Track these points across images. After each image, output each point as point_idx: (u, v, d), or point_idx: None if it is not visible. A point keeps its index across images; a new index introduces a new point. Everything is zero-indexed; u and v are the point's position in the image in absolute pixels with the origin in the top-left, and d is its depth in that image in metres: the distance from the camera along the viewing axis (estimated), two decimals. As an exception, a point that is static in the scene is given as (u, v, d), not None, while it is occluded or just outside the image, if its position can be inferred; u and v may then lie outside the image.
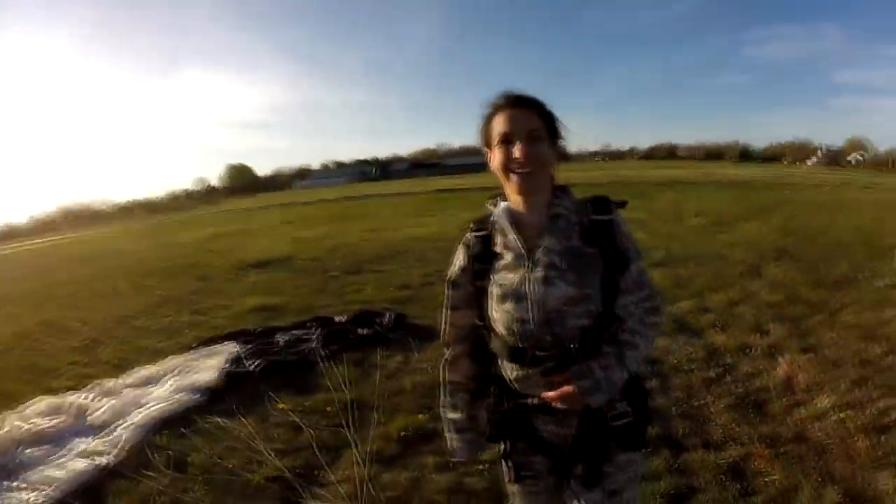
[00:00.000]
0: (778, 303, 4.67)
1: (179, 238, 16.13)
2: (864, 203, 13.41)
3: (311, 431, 2.75)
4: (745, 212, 11.15)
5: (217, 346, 4.22)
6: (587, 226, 1.17)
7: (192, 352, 4.22)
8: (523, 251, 1.16)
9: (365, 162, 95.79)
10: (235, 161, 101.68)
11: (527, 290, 1.14)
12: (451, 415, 1.38)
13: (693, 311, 4.55)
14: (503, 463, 1.31)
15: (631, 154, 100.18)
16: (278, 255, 8.81)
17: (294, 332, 4.25)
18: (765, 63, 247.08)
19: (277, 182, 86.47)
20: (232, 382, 3.52)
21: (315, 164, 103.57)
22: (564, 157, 1.25)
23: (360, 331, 3.93)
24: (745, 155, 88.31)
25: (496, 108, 1.18)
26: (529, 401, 1.21)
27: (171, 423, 3.09)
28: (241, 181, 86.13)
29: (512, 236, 1.18)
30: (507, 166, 1.15)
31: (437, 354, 3.48)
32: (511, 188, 1.18)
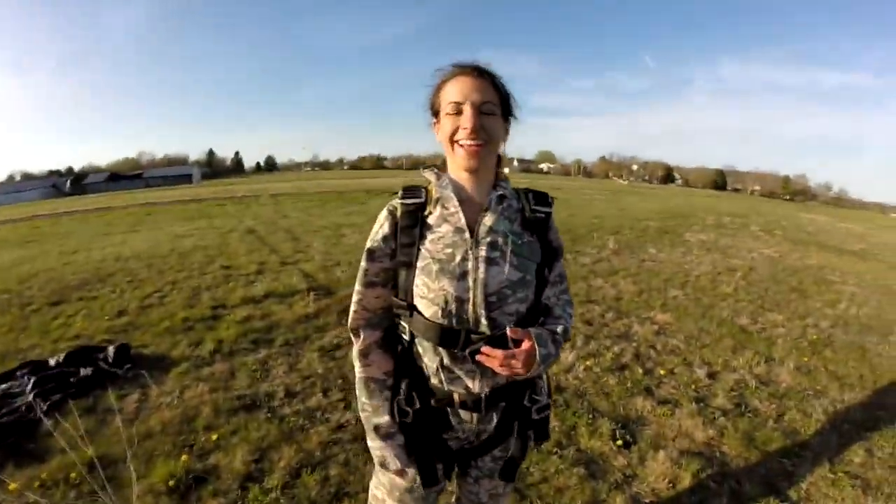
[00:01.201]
0: None
1: None
2: (558, 201, 17.34)
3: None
4: None
5: None
6: (527, 215, 1.16)
7: None
8: (465, 227, 1.11)
9: (57, 173, 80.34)
10: None
11: (469, 267, 1.08)
12: (377, 419, 1.21)
13: None
14: (403, 470, 1.21)
15: (340, 164, 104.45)
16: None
17: (-1, 385, 3.14)
18: None
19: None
20: None
21: (-5, 176, 77.26)
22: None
23: (81, 372, 3.21)
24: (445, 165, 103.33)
25: (450, 76, 1.10)
26: (455, 394, 1.15)
27: None
28: None
29: (454, 209, 1.12)
30: (454, 137, 1.08)
31: (179, 385, 3.27)
32: (456, 161, 1.12)
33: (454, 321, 1.09)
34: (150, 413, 2.91)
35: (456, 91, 1.07)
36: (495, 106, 1.08)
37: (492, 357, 1.04)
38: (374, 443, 1.22)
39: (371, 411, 1.21)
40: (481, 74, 1.08)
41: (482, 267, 1.08)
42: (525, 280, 1.11)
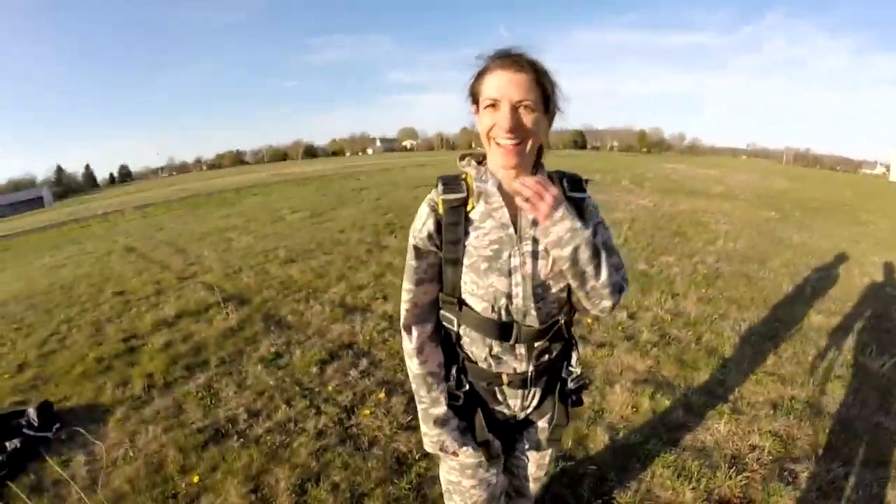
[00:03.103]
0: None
1: None
2: (428, 178, 17.51)
3: None
4: (334, 201, 12.24)
5: None
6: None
7: None
8: (509, 223, 1.11)
9: None
10: None
11: (516, 263, 1.10)
12: (436, 410, 1.24)
13: (350, 292, 5.00)
14: (468, 446, 1.28)
15: (198, 165, 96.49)
16: None
17: None
18: (323, 66, 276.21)
19: None
20: None
21: None
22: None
23: (7, 446, 2.79)
24: (310, 152, 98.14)
25: (491, 67, 1.04)
26: (504, 375, 1.20)
27: None
28: None
29: (497, 204, 1.11)
30: (490, 133, 1.05)
31: (125, 433, 2.98)
32: (494, 158, 1.08)
33: (503, 315, 1.12)
34: (110, 473, 2.60)
35: (493, 86, 1.02)
36: (536, 102, 1.02)
37: (527, 187, 1.01)
38: (431, 431, 1.25)
39: (429, 403, 1.24)
40: (522, 68, 1.01)
41: (529, 262, 1.10)
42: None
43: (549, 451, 1.41)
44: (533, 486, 1.49)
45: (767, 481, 2.36)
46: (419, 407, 1.27)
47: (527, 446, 1.40)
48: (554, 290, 1.14)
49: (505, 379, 1.20)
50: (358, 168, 28.31)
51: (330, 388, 3.17)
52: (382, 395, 3.06)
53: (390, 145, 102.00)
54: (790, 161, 67.95)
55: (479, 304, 1.13)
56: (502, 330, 1.13)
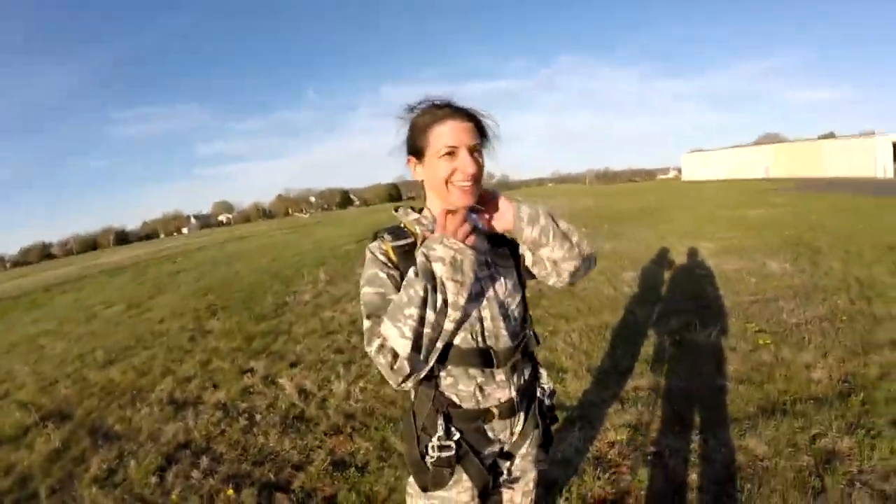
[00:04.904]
0: (239, 346, 5.31)
1: None
2: (247, 251, 16.45)
3: None
4: (151, 289, 11.24)
5: None
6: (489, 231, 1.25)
7: None
8: None
9: None
10: None
11: (479, 288, 1.18)
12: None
13: (177, 386, 4.44)
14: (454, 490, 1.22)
15: (2, 263, 80.00)
16: None
17: None
18: (130, 143, 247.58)
19: None
20: None
21: None
22: None
23: None
24: (121, 238, 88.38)
25: (439, 117, 1.13)
26: (493, 408, 1.20)
27: None
28: None
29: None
30: (453, 178, 1.12)
31: None
32: (450, 200, 1.14)
33: (479, 341, 1.17)
34: None
35: (450, 136, 1.11)
36: (482, 145, 1.16)
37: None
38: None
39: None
40: (470, 117, 1.14)
41: (489, 285, 1.19)
42: (516, 284, 1.26)
43: (533, 475, 1.39)
44: None
45: (634, 470, 2.39)
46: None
47: (506, 477, 1.36)
48: (513, 306, 1.23)
49: (495, 412, 1.21)
50: (174, 249, 25.91)
51: (174, 496, 2.81)
52: (231, 491, 2.75)
53: (206, 221, 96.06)
54: (593, 181, 77.84)
55: (458, 336, 1.15)
56: (483, 356, 1.17)
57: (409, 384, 1.10)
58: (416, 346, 1.02)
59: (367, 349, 1.08)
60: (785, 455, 2.36)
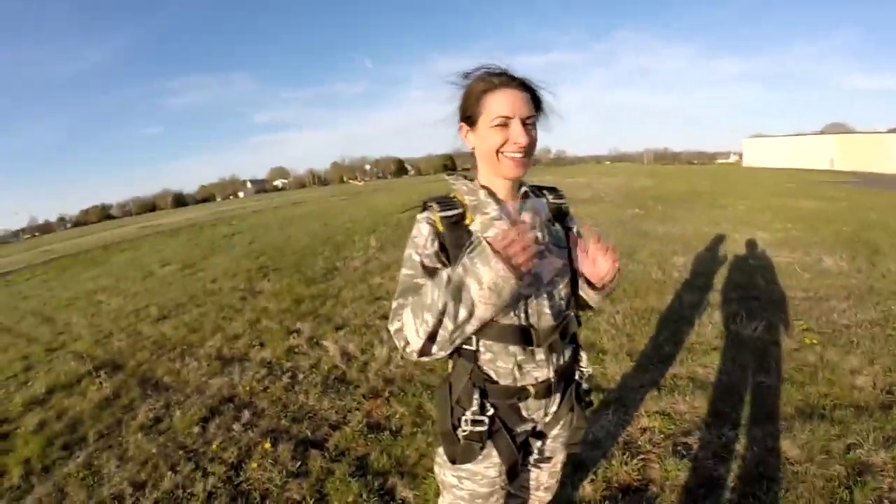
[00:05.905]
0: (287, 308, 5.53)
1: None
2: (300, 216, 16.90)
3: None
4: (206, 249, 11.65)
5: None
6: (550, 207, 1.28)
7: None
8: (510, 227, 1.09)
9: None
10: None
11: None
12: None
13: (226, 343, 4.65)
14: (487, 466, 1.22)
15: (63, 223, 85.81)
16: None
17: None
18: (183, 111, 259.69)
19: None
20: None
21: None
22: None
23: None
24: (179, 201, 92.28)
25: (495, 85, 1.10)
26: (529, 387, 1.18)
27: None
28: None
29: (496, 213, 1.15)
30: (501, 149, 1.10)
31: None
32: (501, 170, 1.14)
33: (522, 318, 1.13)
34: None
35: (504, 105, 1.09)
36: (536, 117, 1.13)
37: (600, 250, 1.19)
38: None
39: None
40: (526, 87, 1.12)
41: (535, 260, 1.07)
42: (566, 265, 1.22)
43: (562, 456, 1.41)
44: (545, 496, 1.48)
45: (663, 459, 2.38)
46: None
47: (536, 457, 1.37)
48: (560, 285, 1.20)
49: (531, 391, 1.19)
50: (229, 212, 27.04)
51: (214, 446, 2.95)
52: (268, 444, 2.87)
53: (261, 186, 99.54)
54: (651, 161, 75.63)
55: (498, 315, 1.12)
56: (524, 334, 1.14)
57: (425, 359, 1.09)
58: (430, 342, 1.02)
59: (389, 326, 1.09)
60: (817, 462, 2.28)
